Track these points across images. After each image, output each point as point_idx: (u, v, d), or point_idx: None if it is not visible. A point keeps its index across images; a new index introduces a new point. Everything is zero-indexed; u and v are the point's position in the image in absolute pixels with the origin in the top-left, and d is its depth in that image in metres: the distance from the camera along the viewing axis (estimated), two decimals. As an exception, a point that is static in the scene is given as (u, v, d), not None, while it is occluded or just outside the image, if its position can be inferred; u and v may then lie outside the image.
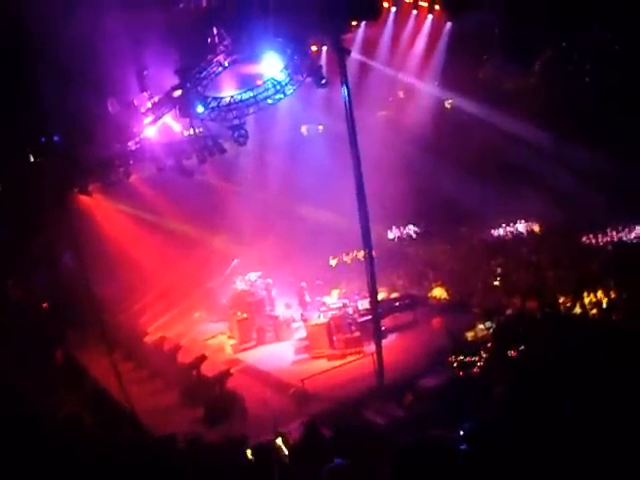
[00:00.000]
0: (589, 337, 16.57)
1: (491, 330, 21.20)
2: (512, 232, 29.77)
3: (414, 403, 18.56)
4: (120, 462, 11.84)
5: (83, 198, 25.85)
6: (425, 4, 28.31)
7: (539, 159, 28.17)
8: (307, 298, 26.71)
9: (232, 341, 26.35)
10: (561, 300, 21.90)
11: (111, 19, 21.67)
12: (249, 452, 10.85)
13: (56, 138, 25.63)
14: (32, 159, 28.87)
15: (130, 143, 22.90)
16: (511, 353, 18.37)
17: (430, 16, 28.65)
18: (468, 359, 19.50)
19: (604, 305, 20.80)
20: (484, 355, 19.39)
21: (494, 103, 29.45)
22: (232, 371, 21.46)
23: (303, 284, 27.29)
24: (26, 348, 25.74)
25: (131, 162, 23.08)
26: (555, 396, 12.35)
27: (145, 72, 22.73)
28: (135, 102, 22.54)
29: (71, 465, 12.54)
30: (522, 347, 18.26)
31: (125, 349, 26.14)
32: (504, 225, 29.75)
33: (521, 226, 29.62)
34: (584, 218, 26.89)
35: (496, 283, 25.42)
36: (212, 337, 27.81)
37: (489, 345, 19.76)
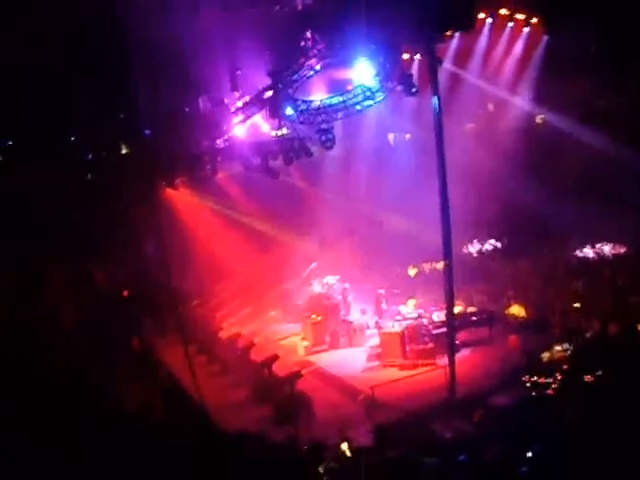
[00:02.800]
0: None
1: (568, 352, 20.73)
2: (597, 253, 29.00)
3: (484, 420, 18.27)
4: (189, 454, 12.07)
5: (170, 191, 26.42)
6: (522, 17, 27.87)
7: (630, 180, 27.39)
8: (384, 306, 26.58)
9: (305, 343, 26.41)
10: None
11: (206, 19, 22.17)
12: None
13: (147, 132, 26.26)
14: (124, 151, 29.72)
15: (219, 140, 23.32)
16: (587, 378, 17.90)
17: (526, 29, 28.18)
18: (542, 380, 19.09)
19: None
20: (559, 377, 18.94)
21: (587, 121, 28.81)
22: (303, 373, 21.57)
23: (381, 291, 27.17)
24: (106, 333, 26.47)
25: (219, 159, 23.49)
26: (632, 426, 12.04)
27: (237, 72, 23.12)
28: (226, 101, 22.99)
29: (142, 452, 12.84)
30: (600, 372, 17.78)
31: (199, 342, 26.48)
32: (589, 246, 29.00)
33: (607, 248, 28.82)
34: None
35: (577, 305, 24.81)
36: (285, 337, 27.93)
37: (565, 367, 19.30)
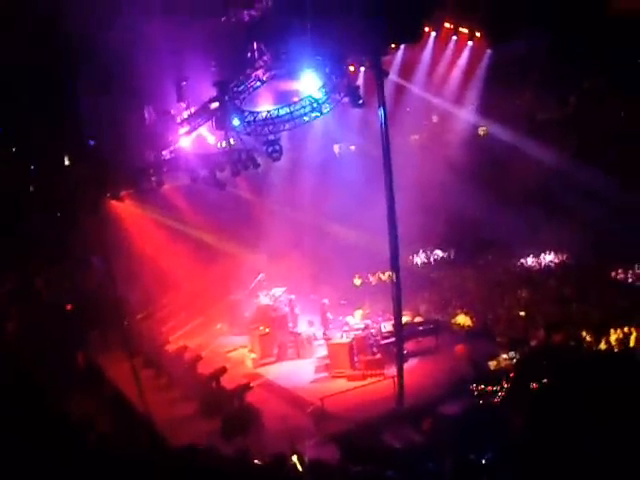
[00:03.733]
0: (613, 373, 16.36)
1: (514, 360, 21.04)
2: (540, 263, 29.49)
3: (433, 429, 18.39)
4: (133, 468, 11.86)
5: (115, 203, 26.07)
6: (466, 30, 28.32)
7: (571, 190, 27.96)
8: (329, 316, 26.59)
9: (253, 355, 26.29)
10: (586, 335, 21.70)
11: (152, 29, 21.96)
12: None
13: (91, 143, 25.91)
14: (67, 162, 29.26)
15: (164, 152, 23.09)
16: (533, 385, 18.15)
17: (470, 42, 28.64)
18: (489, 388, 19.31)
19: (631, 343, 20.55)
20: (505, 385, 19.19)
21: (528, 132, 29.36)
22: (252, 385, 21.44)
23: (325, 301, 27.18)
24: (48, 347, 25.97)
25: (165, 171, 23.28)
26: (576, 431, 12.23)
27: (183, 83, 22.94)
28: (172, 112, 22.76)
29: (82, 466, 12.57)
30: (545, 380, 18.05)
31: (146, 356, 26.16)
32: (532, 255, 29.50)
33: (549, 257, 29.34)
34: (615, 252, 26.59)
35: (522, 313, 25.19)
36: (233, 350, 27.73)
37: (511, 375, 19.55)
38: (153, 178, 23.22)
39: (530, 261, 29.46)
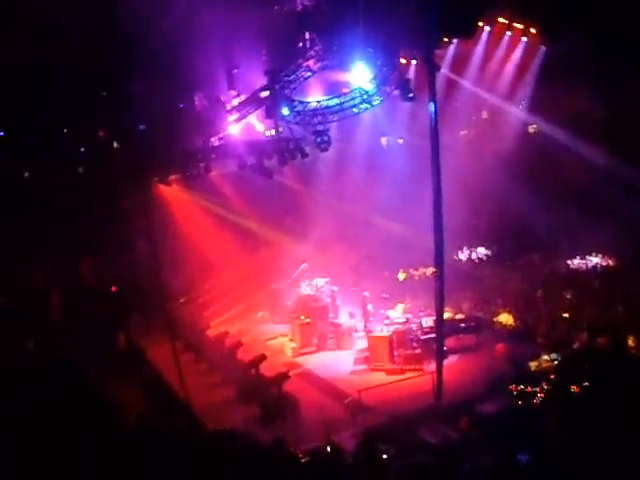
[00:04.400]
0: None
1: (555, 362, 20.79)
2: (586, 264, 29.06)
3: (469, 427, 18.29)
4: (170, 450, 11.99)
5: (162, 188, 26.33)
6: (520, 26, 27.91)
7: (619, 191, 27.49)
8: (370, 309, 26.55)
9: (293, 344, 26.40)
10: (630, 339, 21.36)
11: (205, 17, 22.06)
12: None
13: (141, 127, 26.17)
14: (116, 146, 29.63)
15: (213, 139, 23.25)
16: (574, 388, 17.93)
17: (524, 38, 28.24)
18: (529, 389, 19.12)
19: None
20: (546, 387, 18.98)
21: (578, 131, 28.89)
22: (290, 374, 21.52)
23: (366, 294, 27.13)
24: (90, 329, 26.39)
25: (213, 157, 23.42)
26: (615, 437, 12.06)
27: (235, 70, 23.08)
28: (222, 99, 22.90)
29: (123, 448, 12.75)
30: (586, 384, 17.82)
31: (186, 340, 26.43)
32: (579, 256, 29.07)
33: (595, 259, 28.89)
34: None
35: (565, 315, 24.87)
36: (273, 338, 27.89)
37: (552, 377, 19.34)
38: (201, 164, 23.38)
39: (575, 262, 29.03)
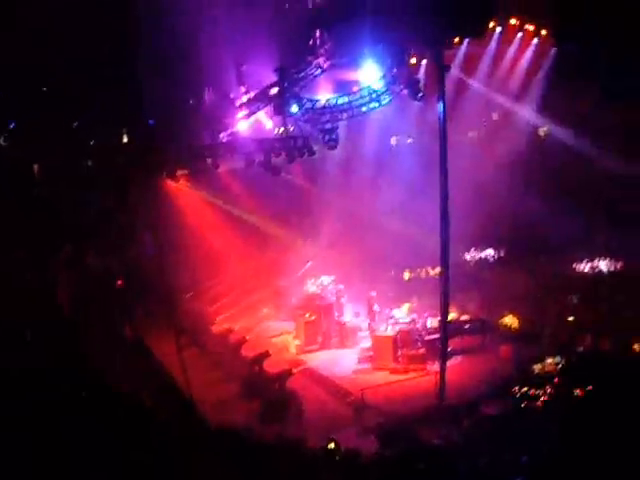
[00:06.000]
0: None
1: (560, 365, 20.72)
2: (593, 268, 28.97)
3: (471, 428, 18.27)
4: (172, 443, 12.03)
5: (169, 182, 26.34)
6: (531, 27, 27.81)
7: (631, 196, 27.38)
8: (376, 308, 26.52)
9: (297, 342, 26.42)
10: (635, 344, 21.30)
11: (216, 13, 22.09)
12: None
13: (151, 122, 26.21)
14: (125, 139, 29.69)
15: (222, 134, 23.26)
16: (578, 392, 17.88)
17: (535, 40, 28.13)
18: (532, 392, 19.08)
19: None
20: (549, 390, 18.94)
21: (589, 135, 28.77)
22: (294, 371, 21.55)
23: (372, 294, 27.11)
24: (97, 320, 26.45)
25: (221, 153, 23.39)
26: (619, 442, 12.02)
27: (244, 67, 23.07)
28: (231, 95, 22.92)
29: (129, 438, 12.79)
30: (590, 387, 17.76)
31: (191, 335, 26.43)
32: (585, 260, 28.98)
33: (603, 263, 28.80)
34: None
35: (570, 318, 24.82)
36: (277, 335, 27.91)
37: (556, 380, 19.29)
38: (209, 160, 23.36)
39: (583, 266, 28.95)
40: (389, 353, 23.31)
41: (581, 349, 21.82)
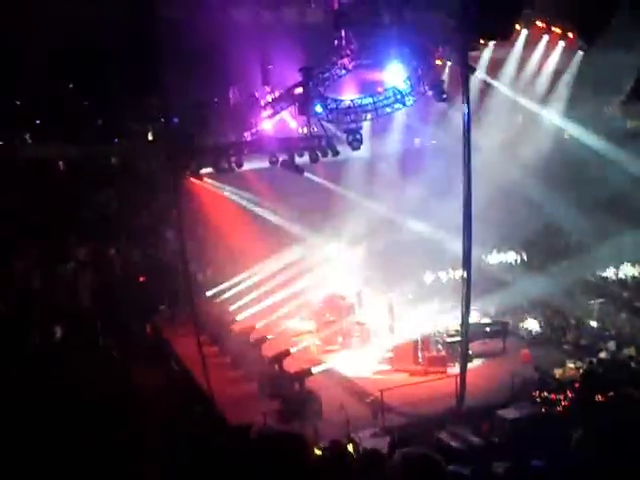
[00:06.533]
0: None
1: (581, 371, 20.59)
2: (616, 273, 28.77)
3: (491, 432, 18.20)
4: (192, 441, 12.07)
5: (193, 181, 26.47)
6: (558, 30, 27.59)
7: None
8: (396, 309, 26.50)
9: (317, 341, 26.42)
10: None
11: (242, 13, 22.17)
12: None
13: (175, 120, 26.35)
14: (150, 138, 29.91)
15: (246, 134, 23.32)
16: (599, 398, 17.73)
17: (562, 43, 27.91)
18: (553, 396, 18.98)
19: None
20: (570, 395, 18.82)
21: (616, 140, 28.57)
22: (313, 371, 21.54)
23: (393, 294, 27.08)
24: (119, 317, 26.67)
25: (245, 152, 23.48)
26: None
27: (269, 66, 23.14)
28: (256, 94, 22.99)
29: (149, 435, 12.88)
30: (612, 394, 17.59)
31: (212, 333, 26.55)
32: (609, 265, 28.77)
33: (627, 269, 28.58)
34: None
35: (593, 323, 24.65)
36: (298, 334, 27.91)
37: (577, 385, 19.17)
38: (233, 158, 23.43)
39: (606, 271, 28.74)
40: (409, 355, 23.27)
41: (603, 355, 21.64)
